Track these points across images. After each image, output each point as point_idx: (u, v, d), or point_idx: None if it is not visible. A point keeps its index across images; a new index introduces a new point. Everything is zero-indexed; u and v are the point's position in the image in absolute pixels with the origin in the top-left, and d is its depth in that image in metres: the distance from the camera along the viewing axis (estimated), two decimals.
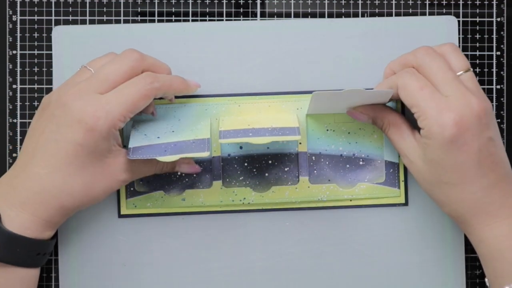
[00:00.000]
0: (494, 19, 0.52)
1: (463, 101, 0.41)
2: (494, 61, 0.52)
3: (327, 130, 0.49)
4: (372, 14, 0.52)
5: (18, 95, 0.51)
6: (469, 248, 0.51)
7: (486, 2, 0.52)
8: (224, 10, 0.51)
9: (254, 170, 0.49)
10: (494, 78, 0.52)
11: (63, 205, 0.43)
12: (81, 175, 0.43)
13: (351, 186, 0.49)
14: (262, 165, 0.49)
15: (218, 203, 0.49)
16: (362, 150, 0.49)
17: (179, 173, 0.49)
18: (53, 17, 0.51)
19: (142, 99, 0.43)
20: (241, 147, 0.49)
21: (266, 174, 0.49)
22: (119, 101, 0.42)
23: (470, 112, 0.41)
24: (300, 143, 0.49)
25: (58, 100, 0.43)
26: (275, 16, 0.52)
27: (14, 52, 0.51)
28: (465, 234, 0.46)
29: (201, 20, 0.51)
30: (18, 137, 0.51)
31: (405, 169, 0.49)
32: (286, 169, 0.49)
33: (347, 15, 0.52)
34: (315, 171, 0.49)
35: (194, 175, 0.49)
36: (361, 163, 0.49)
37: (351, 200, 0.49)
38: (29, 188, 0.43)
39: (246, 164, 0.49)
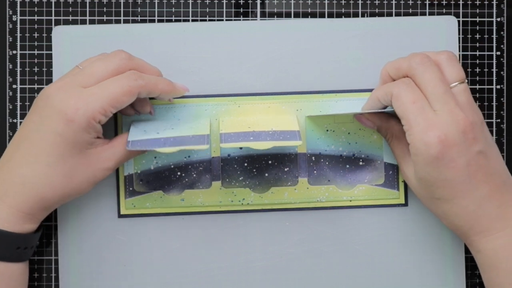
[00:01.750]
0: (494, 19, 0.52)
1: (450, 118, 0.41)
2: (494, 61, 0.52)
3: (327, 130, 0.49)
4: (372, 14, 0.51)
5: (18, 95, 0.51)
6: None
7: (486, 2, 0.52)
8: (224, 10, 0.51)
9: (254, 170, 0.49)
10: (494, 78, 0.52)
11: (44, 196, 0.43)
12: (61, 166, 0.43)
13: (350, 187, 0.49)
14: (262, 166, 0.49)
15: (217, 204, 0.49)
16: (362, 151, 0.49)
17: (178, 173, 0.49)
18: (53, 17, 0.51)
19: (125, 94, 0.43)
20: (241, 147, 0.49)
21: (266, 175, 0.49)
22: (101, 94, 0.42)
23: (455, 129, 0.41)
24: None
25: (43, 92, 0.44)
26: (275, 16, 0.52)
27: (14, 52, 0.51)
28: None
29: (201, 20, 0.51)
30: None
31: None
32: (286, 169, 0.49)
33: (347, 15, 0.52)
34: (315, 172, 0.49)
35: (194, 175, 0.49)
36: (361, 163, 0.49)
37: (350, 201, 0.49)
38: (9, 179, 0.43)
39: (245, 164, 0.49)
